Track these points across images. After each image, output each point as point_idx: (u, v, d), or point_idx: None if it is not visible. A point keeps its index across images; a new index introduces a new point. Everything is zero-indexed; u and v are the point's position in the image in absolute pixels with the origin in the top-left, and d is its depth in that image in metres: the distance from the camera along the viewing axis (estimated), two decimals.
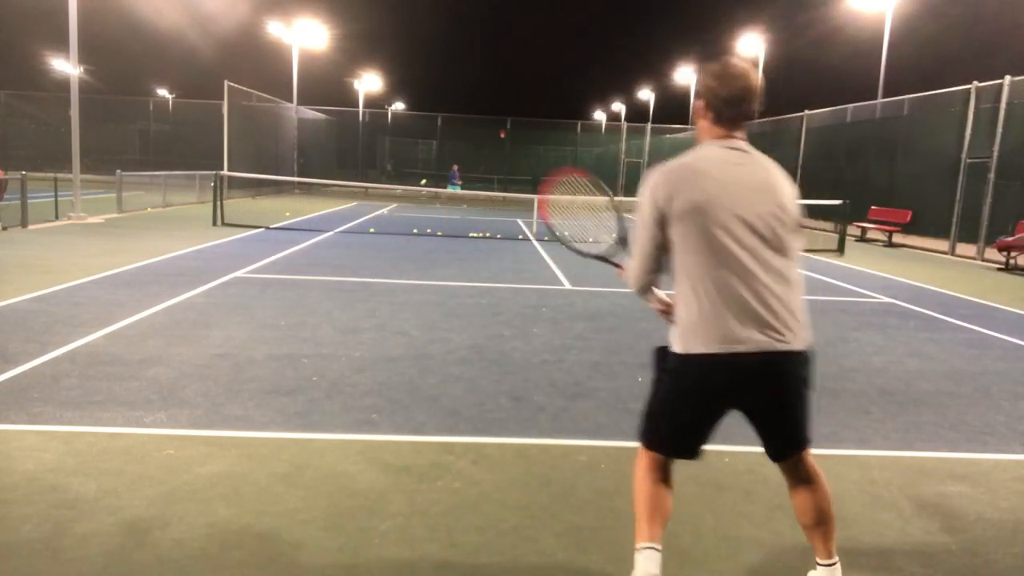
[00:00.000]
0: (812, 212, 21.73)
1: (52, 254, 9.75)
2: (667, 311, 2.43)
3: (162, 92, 55.16)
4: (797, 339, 2.23)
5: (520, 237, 15.63)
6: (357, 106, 42.95)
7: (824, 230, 20.40)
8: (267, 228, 14.65)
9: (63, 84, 27.21)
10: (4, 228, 12.04)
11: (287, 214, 18.47)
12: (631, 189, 32.68)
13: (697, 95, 2.37)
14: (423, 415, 4.23)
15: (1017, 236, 13.31)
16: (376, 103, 52.35)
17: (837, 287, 10.11)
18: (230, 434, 3.81)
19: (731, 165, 2.24)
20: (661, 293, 2.46)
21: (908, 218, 17.32)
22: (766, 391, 2.28)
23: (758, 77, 2.32)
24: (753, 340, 2.18)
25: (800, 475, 2.45)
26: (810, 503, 2.44)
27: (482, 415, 4.29)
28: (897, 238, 17.67)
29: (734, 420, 2.21)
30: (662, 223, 2.25)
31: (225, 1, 41.58)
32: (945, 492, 3.49)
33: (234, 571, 2.58)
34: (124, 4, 36.72)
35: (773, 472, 3.62)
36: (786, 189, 2.29)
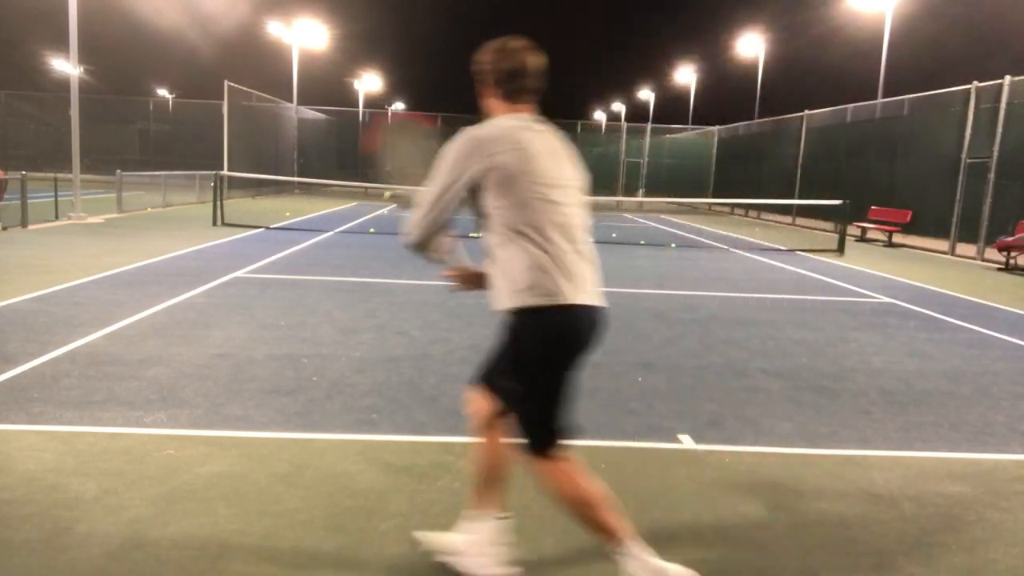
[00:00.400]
0: (812, 212, 21.87)
1: (52, 254, 9.75)
2: (471, 278, 2.44)
3: (162, 92, 55.26)
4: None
5: None
6: (357, 106, 43.00)
7: (824, 230, 20.43)
8: (267, 228, 14.66)
9: (63, 84, 27.25)
10: (4, 228, 12.04)
11: (287, 214, 18.48)
12: (631, 189, 32.76)
13: (480, 74, 2.37)
14: (423, 415, 4.23)
15: (1017, 236, 13.31)
16: (376, 103, 52.38)
17: (837, 287, 10.11)
18: (230, 434, 3.81)
19: (535, 133, 2.29)
20: (462, 258, 2.44)
21: (908, 218, 17.31)
22: (592, 344, 2.33)
23: (538, 55, 2.35)
24: (590, 294, 2.28)
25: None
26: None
27: None
28: (897, 238, 17.67)
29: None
30: (474, 183, 2.23)
31: (225, 1, 41.59)
32: (945, 492, 3.49)
33: (234, 571, 2.58)
34: (124, 4, 36.74)
35: (773, 472, 3.64)
36: (575, 161, 2.41)
